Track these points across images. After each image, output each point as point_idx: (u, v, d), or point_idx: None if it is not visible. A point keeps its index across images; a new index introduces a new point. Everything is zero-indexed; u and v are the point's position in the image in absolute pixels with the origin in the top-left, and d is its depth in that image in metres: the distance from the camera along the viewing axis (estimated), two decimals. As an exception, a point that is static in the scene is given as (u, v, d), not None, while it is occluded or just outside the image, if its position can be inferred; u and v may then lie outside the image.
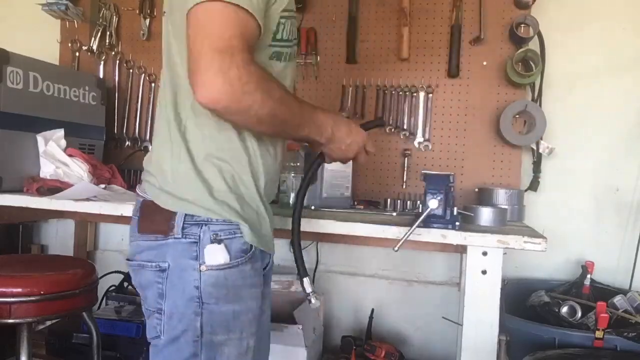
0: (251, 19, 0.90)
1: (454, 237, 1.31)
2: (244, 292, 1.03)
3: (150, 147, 2.29)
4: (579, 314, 1.61)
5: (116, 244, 2.60)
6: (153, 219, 1.02)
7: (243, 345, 1.04)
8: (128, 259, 1.07)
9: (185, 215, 0.99)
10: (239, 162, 1.02)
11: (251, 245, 1.03)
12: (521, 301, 1.79)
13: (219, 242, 0.98)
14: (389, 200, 2.03)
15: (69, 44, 2.47)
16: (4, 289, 1.43)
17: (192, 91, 0.87)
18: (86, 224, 2.56)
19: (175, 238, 0.99)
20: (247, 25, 0.89)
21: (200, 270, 0.98)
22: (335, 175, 1.86)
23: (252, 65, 0.88)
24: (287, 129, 1.01)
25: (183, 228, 0.98)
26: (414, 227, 1.26)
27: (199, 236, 0.98)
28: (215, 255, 0.98)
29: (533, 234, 1.35)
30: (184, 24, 0.91)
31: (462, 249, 1.37)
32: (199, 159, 1.00)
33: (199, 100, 0.87)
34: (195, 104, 0.94)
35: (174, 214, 0.99)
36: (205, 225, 0.99)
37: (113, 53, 2.45)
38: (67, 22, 2.47)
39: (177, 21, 0.97)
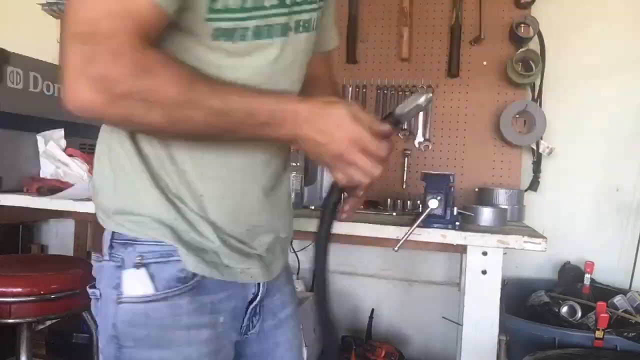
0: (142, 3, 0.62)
1: (454, 237, 1.31)
2: (176, 335, 0.77)
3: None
4: (579, 314, 1.61)
5: (116, 244, 2.60)
6: (98, 236, 0.83)
7: None
8: None
9: (113, 232, 0.78)
10: (174, 174, 0.77)
11: (193, 274, 0.76)
12: (521, 301, 1.79)
13: (143, 266, 0.75)
14: (389, 200, 2.03)
15: (69, 44, 2.47)
16: (4, 289, 1.43)
17: (62, 94, 0.63)
18: (86, 224, 2.56)
19: (105, 260, 0.78)
20: (132, 6, 0.62)
21: (116, 304, 0.76)
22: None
23: (131, 54, 0.61)
24: (209, 133, 0.70)
25: (110, 247, 0.78)
26: (414, 226, 1.26)
27: (122, 259, 0.76)
28: (134, 283, 0.75)
29: (533, 234, 1.35)
30: None
31: (462, 249, 1.37)
32: (127, 169, 0.77)
33: (66, 106, 0.62)
34: None
35: (104, 230, 0.80)
36: (132, 245, 0.76)
37: (113, 53, 2.44)
38: (67, 22, 2.47)
39: None
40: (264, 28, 0.73)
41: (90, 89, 0.60)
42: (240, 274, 0.82)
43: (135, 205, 0.76)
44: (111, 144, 0.78)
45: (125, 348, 0.76)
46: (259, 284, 0.87)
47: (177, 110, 0.65)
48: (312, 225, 1.42)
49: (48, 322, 1.99)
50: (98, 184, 0.81)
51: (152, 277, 0.75)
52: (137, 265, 0.75)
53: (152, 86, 0.63)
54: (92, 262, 0.82)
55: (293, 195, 1.84)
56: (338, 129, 0.70)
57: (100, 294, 0.79)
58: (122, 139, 0.77)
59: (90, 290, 0.81)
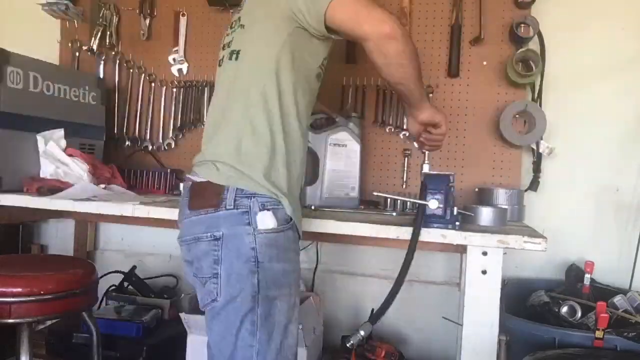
0: None
1: (454, 237, 1.31)
2: (290, 254, 1.18)
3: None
4: (579, 314, 1.61)
5: (116, 244, 2.60)
6: (204, 196, 1.15)
7: (291, 301, 1.17)
8: (179, 238, 1.20)
9: (237, 189, 1.13)
10: (294, 153, 1.20)
11: (290, 217, 1.17)
12: (521, 301, 1.79)
13: (268, 210, 1.13)
14: (389, 200, 2.03)
15: (69, 44, 2.47)
16: (4, 289, 1.43)
17: (365, 34, 1.13)
18: (86, 224, 2.56)
19: (226, 209, 1.12)
20: None
21: (254, 234, 1.12)
22: (340, 175, 1.86)
23: (403, 29, 1.16)
24: (413, 78, 1.25)
25: (235, 200, 1.12)
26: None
27: (249, 206, 1.12)
28: (266, 220, 1.12)
29: (533, 233, 1.35)
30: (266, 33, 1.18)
31: (462, 249, 1.37)
32: (262, 144, 1.17)
33: (373, 29, 1.12)
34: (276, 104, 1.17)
35: (224, 188, 1.13)
36: (254, 197, 1.13)
37: (113, 53, 2.45)
38: (67, 22, 2.48)
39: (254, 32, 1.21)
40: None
41: (391, 19, 1.13)
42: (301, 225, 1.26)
43: (262, 170, 1.17)
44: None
45: (262, 263, 1.12)
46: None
47: (416, 60, 1.21)
48: (311, 225, 1.43)
49: (48, 322, 1.99)
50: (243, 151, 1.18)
51: (275, 217, 1.14)
52: (266, 209, 1.13)
53: (410, 41, 1.18)
54: (195, 216, 1.15)
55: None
56: (438, 113, 1.44)
57: (223, 234, 1.12)
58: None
59: (205, 234, 1.13)
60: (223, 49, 1.30)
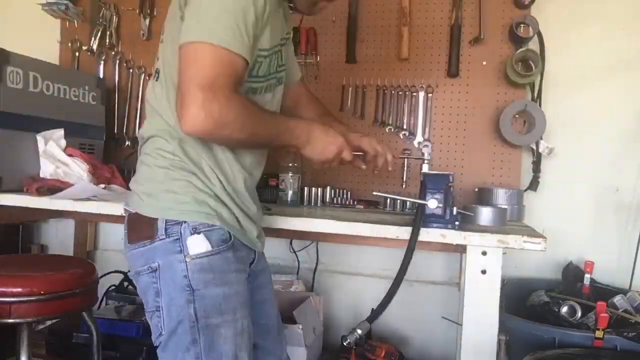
0: (239, 57, 1.00)
1: (453, 236, 1.31)
2: (230, 277, 1.10)
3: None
4: (579, 314, 1.61)
5: (116, 244, 2.60)
6: (139, 229, 1.11)
7: (238, 327, 1.10)
8: (129, 273, 1.18)
9: (166, 219, 1.08)
10: (213, 169, 1.11)
11: (230, 235, 1.11)
12: (521, 301, 1.79)
13: (198, 233, 1.07)
14: (388, 200, 2.03)
15: (69, 44, 2.47)
16: (4, 289, 1.43)
17: (180, 123, 0.98)
18: (86, 224, 2.56)
19: (160, 239, 1.07)
20: (234, 63, 1.00)
21: (185, 261, 1.06)
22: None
23: (233, 99, 0.99)
24: (264, 143, 1.16)
25: (166, 229, 1.07)
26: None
27: (180, 232, 1.07)
28: (197, 245, 1.07)
29: (533, 233, 1.35)
30: (174, 55, 1.02)
31: (461, 249, 1.37)
32: (173, 168, 1.10)
33: (184, 130, 0.98)
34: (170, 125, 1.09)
35: (156, 219, 1.08)
36: (185, 222, 1.07)
37: (113, 53, 2.45)
38: (67, 22, 2.48)
39: (167, 51, 1.10)
40: (268, 87, 1.18)
41: (207, 118, 0.96)
42: (253, 240, 1.20)
43: (183, 197, 1.10)
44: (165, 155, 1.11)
45: (197, 290, 1.06)
46: (255, 251, 1.24)
47: (256, 128, 1.06)
48: (311, 225, 1.43)
49: (48, 322, 1.98)
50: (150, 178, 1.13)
51: (208, 239, 1.07)
52: (197, 233, 1.07)
53: (246, 115, 1.02)
54: (135, 249, 1.10)
55: (291, 194, 1.85)
56: (331, 145, 1.21)
57: (159, 264, 1.07)
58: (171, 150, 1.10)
59: (144, 267, 1.08)
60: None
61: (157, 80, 1.17)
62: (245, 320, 1.12)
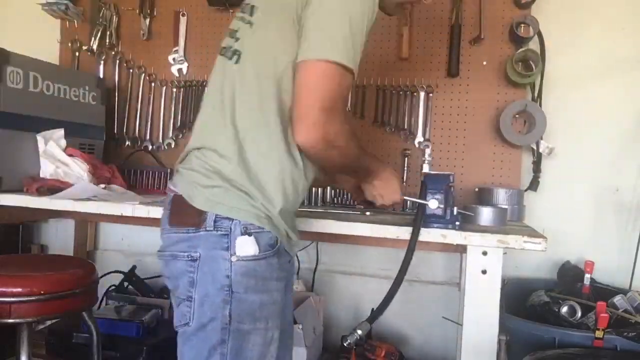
0: (351, 76, 1.04)
1: (454, 236, 1.31)
2: (271, 284, 1.08)
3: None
4: (579, 314, 1.61)
5: (116, 244, 2.60)
6: (184, 213, 1.07)
7: (268, 336, 1.08)
8: (159, 251, 1.12)
9: (216, 213, 1.05)
10: (285, 179, 1.09)
11: (277, 240, 1.08)
12: (521, 301, 1.79)
13: (249, 234, 1.04)
14: (388, 200, 2.03)
15: (69, 44, 2.47)
16: (4, 289, 1.43)
17: (295, 132, 1.01)
18: (86, 224, 2.56)
19: (206, 230, 1.04)
20: (349, 84, 1.05)
21: (231, 261, 1.03)
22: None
23: (346, 124, 1.05)
24: (347, 171, 1.28)
25: (215, 221, 1.04)
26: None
27: (230, 229, 1.04)
28: (246, 246, 1.04)
29: (533, 233, 1.35)
30: (275, 44, 1.06)
31: (462, 249, 1.37)
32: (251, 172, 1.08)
33: (300, 141, 1.01)
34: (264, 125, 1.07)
35: (205, 212, 1.05)
36: (236, 220, 1.04)
37: (113, 53, 2.45)
38: (67, 22, 2.48)
39: (258, 36, 1.09)
40: None
41: (323, 139, 1.01)
42: (293, 246, 1.18)
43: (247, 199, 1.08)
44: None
45: (236, 293, 1.03)
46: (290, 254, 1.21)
47: (352, 157, 1.13)
48: (311, 225, 1.43)
49: (48, 322, 1.98)
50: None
51: (257, 243, 1.04)
52: (248, 234, 1.04)
53: (351, 143, 1.08)
54: (175, 234, 1.08)
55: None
56: (392, 191, 1.32)
57: (200, 255, 1.04)
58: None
59: (182, 254, 1.05)
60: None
61: (236, 63, 1.11)
62: (277, 332, 1.10)
